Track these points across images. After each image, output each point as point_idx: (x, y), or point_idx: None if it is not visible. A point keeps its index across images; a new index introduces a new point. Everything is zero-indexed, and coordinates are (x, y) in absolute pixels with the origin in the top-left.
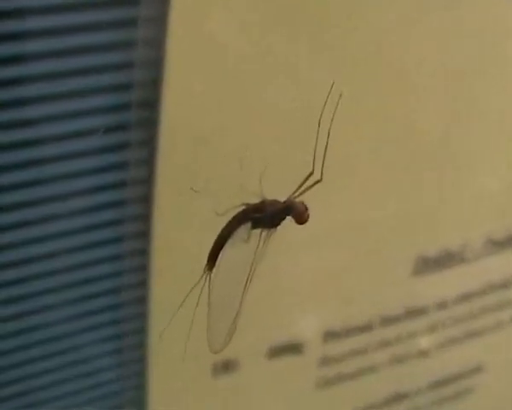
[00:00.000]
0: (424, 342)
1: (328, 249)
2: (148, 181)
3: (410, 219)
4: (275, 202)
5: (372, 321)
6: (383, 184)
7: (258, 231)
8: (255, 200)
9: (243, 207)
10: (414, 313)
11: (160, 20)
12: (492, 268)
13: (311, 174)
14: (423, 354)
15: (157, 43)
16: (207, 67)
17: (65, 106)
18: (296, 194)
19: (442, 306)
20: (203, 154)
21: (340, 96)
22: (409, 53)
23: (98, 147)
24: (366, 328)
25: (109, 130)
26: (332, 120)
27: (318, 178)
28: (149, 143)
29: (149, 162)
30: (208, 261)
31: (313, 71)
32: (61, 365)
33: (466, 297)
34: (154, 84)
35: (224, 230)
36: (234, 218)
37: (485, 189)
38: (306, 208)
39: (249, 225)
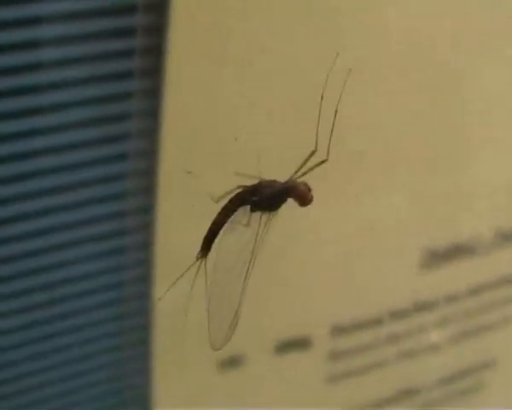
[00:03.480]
0: (434, 336)
1: (335, 242)
2: (147, 172)
3: (420, 212)
4: (273, 182)
5: (381, 315)
6: (392, 177)
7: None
8: (253, 182)
9: (239, 189)
10: (423, 306)
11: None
12: (502, 261)
13: (313, 153)
14: (433, 348)
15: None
16: (205, 48)
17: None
18: (298, 174)
19: (452, 299)
20: (199, 138)
21: (350, 71)
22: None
23: (98, 138)
24: (375, 322)
25: (109, 122)
26: (340, 97)
27: (323, 157)
28: (149, 133)
29: (150, 152)
30: (202, 248)
31: (314, 43)
32: (61, 362)
33: (476, 291)
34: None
35: (219, 214)
36: (229, 201)
37: (496, 182)
38: (310, 189)
39: (248, 208)
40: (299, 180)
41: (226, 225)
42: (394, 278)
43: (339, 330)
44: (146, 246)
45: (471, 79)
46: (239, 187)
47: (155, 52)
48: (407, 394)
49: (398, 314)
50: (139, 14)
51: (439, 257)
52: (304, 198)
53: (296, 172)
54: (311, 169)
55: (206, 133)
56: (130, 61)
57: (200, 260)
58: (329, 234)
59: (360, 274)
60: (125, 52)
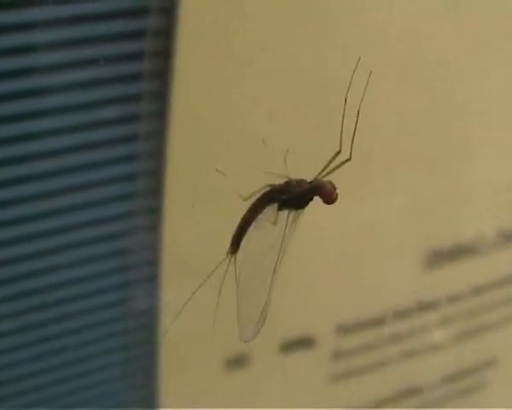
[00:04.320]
0: (437, 335)
1: (338, 242)
2: (154, 173)
3: (421, 213)
4: (301, 181)
5: (384, 315)
6: (393, 177)
7: (285, 212)
8: (280, 181)
9: (268, 188)
10: (426, 306)
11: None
12: (504, 261)
13: (338, 153)
14: (436, 347)
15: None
16: (209, 49)
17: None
18: (324, 173)
19: (454, 299)
20: (223, 137)
21: (371, 73)
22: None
23: (106, 139)
24: (378, 322)
25: (117, 123)
26: (362, 99)
27: (346, 157)
28: (161, 133)
29: (162, 152)
30: (232, 245)
31: (314, 43)
32: (66, 362)
33: (478, 290)
34: (166, 73)
35: (248, 212)
36: (258, 199)
37: (496, 182)
38: (335, 188)
39: (276, 206)
40: (325, 179)
41: (254, 222)
42: (397, 277)
43: (343, 330)
44: (153, 246)
45: (471, 79)
46: (268, 185)
47: (164, 54)
48: (410, 393)
49: (400, 314)
50: (149, 17)
51: (441, 257)
52: (330, 196)
53: (321, 171)
54: (335, 169)
55: (212, 135)
56: (139, 63)
57: (229, 257)
58: (333, 234)
59: (363, 274)
60: (134, 54)
